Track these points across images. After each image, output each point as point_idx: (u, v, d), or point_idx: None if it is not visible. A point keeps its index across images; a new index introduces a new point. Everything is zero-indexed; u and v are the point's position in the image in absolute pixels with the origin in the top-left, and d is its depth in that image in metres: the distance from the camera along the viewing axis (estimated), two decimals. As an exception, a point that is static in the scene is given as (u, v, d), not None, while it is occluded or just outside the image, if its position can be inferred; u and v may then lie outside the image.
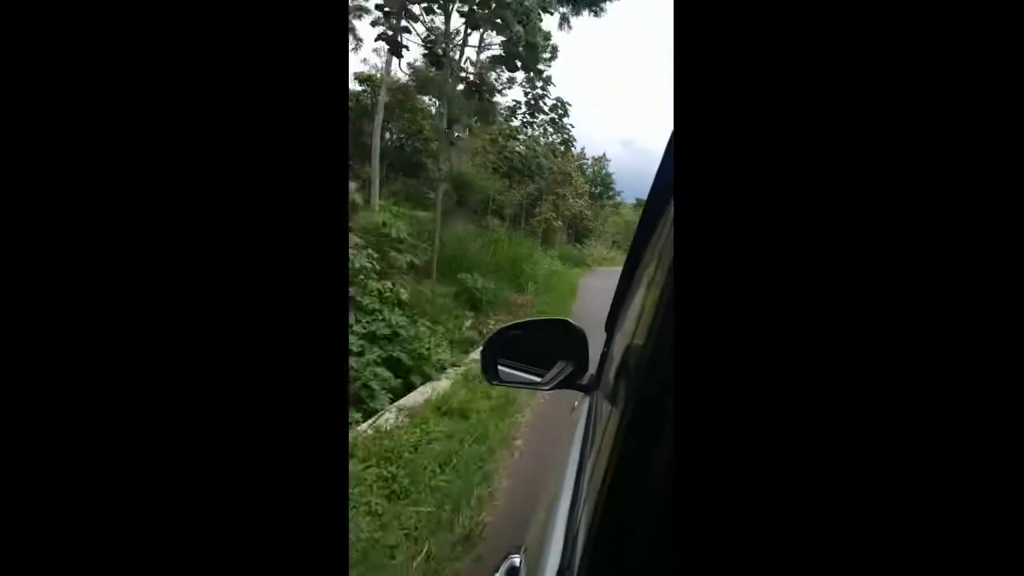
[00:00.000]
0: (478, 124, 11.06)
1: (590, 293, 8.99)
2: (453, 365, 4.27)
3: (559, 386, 1.10)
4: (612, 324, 1.15)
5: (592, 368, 1.12)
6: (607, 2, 9.25)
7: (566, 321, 1.15)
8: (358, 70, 12.84)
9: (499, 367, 1.11)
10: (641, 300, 0.71)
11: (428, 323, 4.68)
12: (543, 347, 1.13)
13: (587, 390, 1.12)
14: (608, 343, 1.15)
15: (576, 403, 1.26)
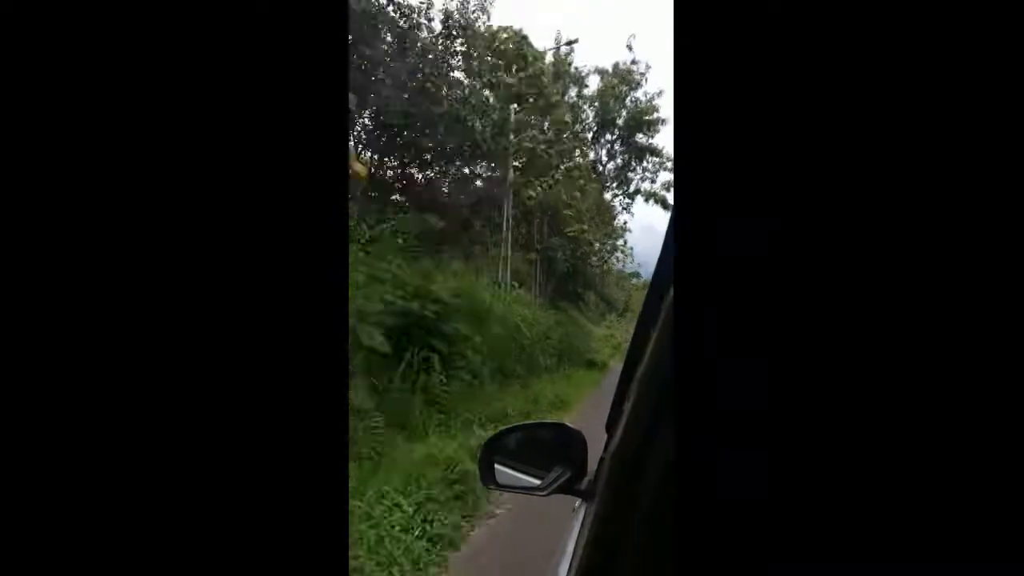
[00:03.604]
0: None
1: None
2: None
3: (557, 491, 1.06)
4: (612, 426, 1.04)
5: (591, 473, 1.07)
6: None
7: (563, 424, 1.12)
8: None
9: (496, 469, 1.08)
10: (640, 402, 0.59)
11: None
12: (541, 450, 1.10)
13: (586, 496, 1.07)
14: (608, 447, 1.05)
15: (576, 505, 1.20)
